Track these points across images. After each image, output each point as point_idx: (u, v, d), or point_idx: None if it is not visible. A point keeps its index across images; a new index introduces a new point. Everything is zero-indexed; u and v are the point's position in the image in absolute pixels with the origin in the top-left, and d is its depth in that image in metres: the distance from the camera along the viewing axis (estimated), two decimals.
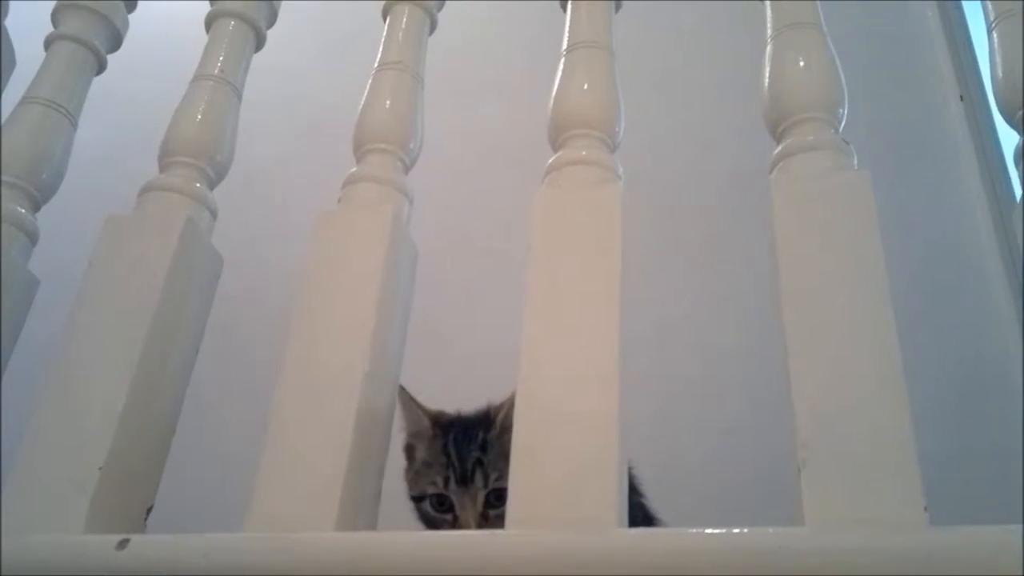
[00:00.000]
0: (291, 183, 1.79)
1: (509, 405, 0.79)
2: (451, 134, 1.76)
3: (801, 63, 0.74)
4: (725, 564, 0.52)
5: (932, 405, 1.36)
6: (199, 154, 0.84)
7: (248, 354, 1.27)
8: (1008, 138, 0.68)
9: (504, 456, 0.73)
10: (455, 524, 0.81)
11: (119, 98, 1.62)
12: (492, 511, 0.79)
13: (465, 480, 0.82)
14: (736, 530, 0.53)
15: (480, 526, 0.79)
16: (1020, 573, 0.48)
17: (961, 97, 1.70)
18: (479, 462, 0.82)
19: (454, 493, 0.81)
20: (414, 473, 0.89)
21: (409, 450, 0.92)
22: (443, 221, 1.69)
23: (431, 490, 0.83)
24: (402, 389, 0.86)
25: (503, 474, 0.75)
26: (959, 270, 1.55)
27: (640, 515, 0.89)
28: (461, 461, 0.82)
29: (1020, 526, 0.49)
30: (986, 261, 1.53)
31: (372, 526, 0.68)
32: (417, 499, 0.87)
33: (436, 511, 0.83)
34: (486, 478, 0.81)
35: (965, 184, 1.62)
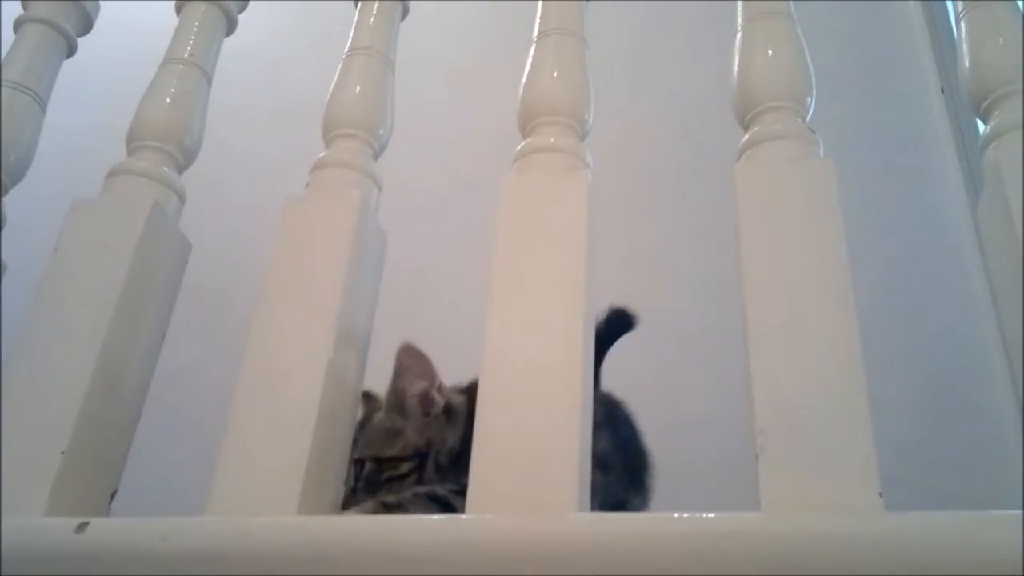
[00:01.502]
0: (261, 167, 1.78)
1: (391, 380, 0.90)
2: (435, 119, 1.76)
3: (770, 52, 0.74)
4: (681, 548, 0.52)
5: (908, 394, 1.38)
6: (167, 138, 0.83)
7: (214, 339, 1.26)
8: None
9: (377, 430, 0.89)
10: None
11: (92, 83, 1.61)
12: (357, 482, 0.88)
13: (347, 456, 0.89)
14: (692, 515, 0.53)
15: (352, 492, 0.86)
16: (969, 557, 0.49)
17: (942, 89, 1.70)
18: (355, 440, 0.89)
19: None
20: None
21: None
22: (421, 205, 1.69)
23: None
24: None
25: (368, 445, 0.88)
26: (937, 260, 1.56)
27: (632, 447, 0.99)
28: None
29: (971, 512, 0.50)
30: (964, 251, 1.54)
31: (336, 510, 0.68)
32: None
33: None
34: (355, 450, 0.87)
35: (944, 174, 1.63)
